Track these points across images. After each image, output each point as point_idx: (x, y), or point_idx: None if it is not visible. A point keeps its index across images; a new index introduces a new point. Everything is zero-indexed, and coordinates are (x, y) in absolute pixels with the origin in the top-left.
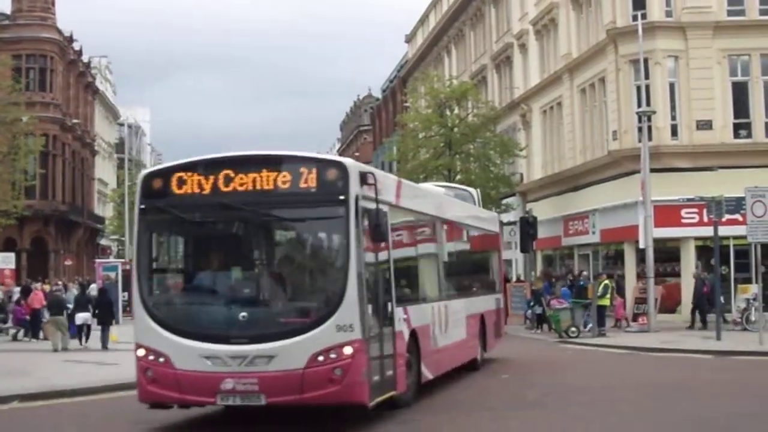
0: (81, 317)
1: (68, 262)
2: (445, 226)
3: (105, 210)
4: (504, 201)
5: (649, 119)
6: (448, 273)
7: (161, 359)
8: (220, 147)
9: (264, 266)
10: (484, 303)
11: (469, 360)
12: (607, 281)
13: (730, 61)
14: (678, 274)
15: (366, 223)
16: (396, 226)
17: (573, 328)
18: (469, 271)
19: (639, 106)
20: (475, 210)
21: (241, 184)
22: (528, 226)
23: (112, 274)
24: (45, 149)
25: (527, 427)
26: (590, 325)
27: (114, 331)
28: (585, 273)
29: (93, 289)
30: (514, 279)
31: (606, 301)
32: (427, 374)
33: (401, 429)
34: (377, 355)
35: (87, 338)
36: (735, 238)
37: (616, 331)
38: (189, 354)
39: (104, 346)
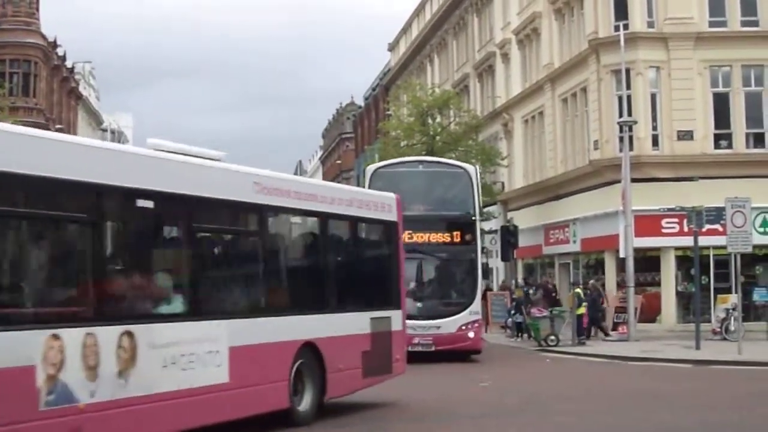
0: None
1: None
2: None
3: None
4: (485, 209)
5: (631, 129)
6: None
7: None
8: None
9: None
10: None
11: None
12: (578, 290)
13: (711, 71)
14: (658, 284)
15: None
16: None
17: (552, 337)
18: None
19: (620, 116)
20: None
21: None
22: (509, 235)
23: None
24: None
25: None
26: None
27: None
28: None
29: None
30: (496, 288)
31: (582, 311)
32: None
33: None
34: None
35: None
36: (715, 248)
37: (594, 340)
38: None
39: None
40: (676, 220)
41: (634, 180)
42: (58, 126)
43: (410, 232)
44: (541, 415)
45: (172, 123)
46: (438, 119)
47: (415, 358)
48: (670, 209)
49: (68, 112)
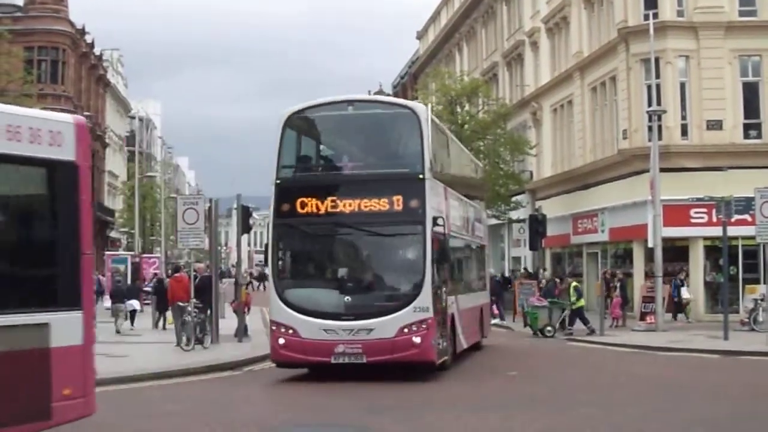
0: (131, 304)
1: None
2: None
3: (115, 203)
4: (513, 198)
5: (660, 118)
6: None
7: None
8: (230, 140)
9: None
10: None
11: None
12: (575, 283)
13: (741, 61)
14: (686, 274)
15: None
16: None
17: (549, 327)
18: None
19: (649, 105)
20: None
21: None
22: (537, 224)
23: (121, 267)
24: None
25: (537, 424)
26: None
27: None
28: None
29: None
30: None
31: (582, 303)
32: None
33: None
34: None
35: (132, 322)
36: (744, 238)
37: (623, 330)
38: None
39: (163, 327)
40: (704, 210)
41: (662, 169)
42: (86, 113)
43: (333, 198)
44: (568, 405)
45: (200, 111)
46: (466, 107)
47: (338, 373)
48: (698, 199)
49: (96, 99)
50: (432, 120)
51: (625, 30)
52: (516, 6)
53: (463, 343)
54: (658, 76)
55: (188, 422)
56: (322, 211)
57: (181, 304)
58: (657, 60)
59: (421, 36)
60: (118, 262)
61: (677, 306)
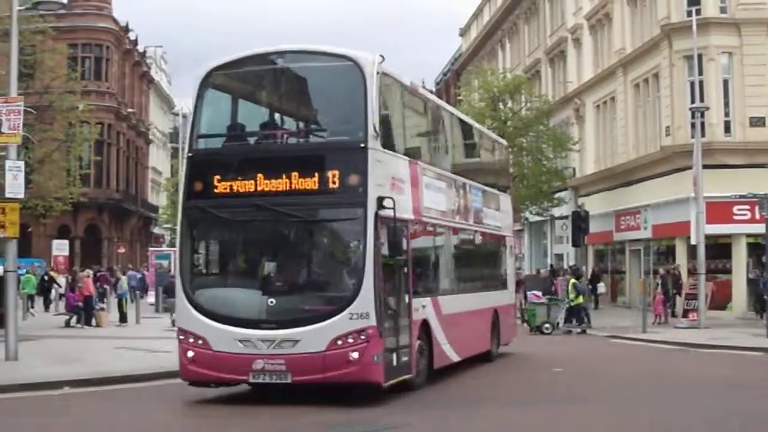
0: (171, 301)
1: (121, 250)
2: None
3: (159, 199)
4: (556, 195)
5: (703, 115)
6: None
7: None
8: None
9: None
10: None
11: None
12: (573, 280)
13: None
14: (729, 271)
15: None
16: None
17: (547, 325)
18: None
19: (692, 102)
20: None
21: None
22: (580, 221)
23: (165, 263)
24: (100, 138)
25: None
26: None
27: None
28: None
29: (132, 278)
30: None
31: (580, 300)
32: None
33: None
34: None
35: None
36: None
37: (666, 327)
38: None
39: None
40: (747, 207)
41: (705, 166)
42: (129, 110)
43: (254, 175)
44: (611, 401)
45: None
46: (509, 104)
47: (255, 396)
48: (741, 196)
49: (140, 96)
50: (391, 75)
51: (668, 27)
52: (558, 3)
53: (452, 355)
54: (701, 73)
55: None
56: (242, 191)
57: None
58: (700, 57)
59: (463, 33)
60: (161, 258)
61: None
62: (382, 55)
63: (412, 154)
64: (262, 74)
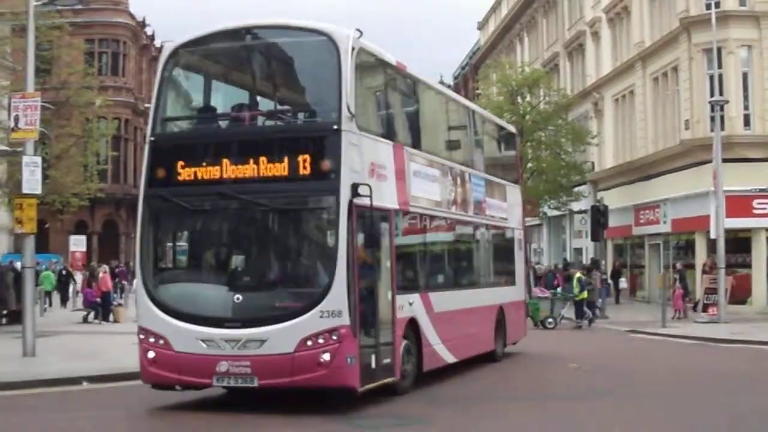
0: None
1: None
2: None
3: None
4: (575, 189)
5: (722, 109)
6: None
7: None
8: None
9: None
10: None
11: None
12: (579, 274)
13: None
14: (749, 265)
15: None
16: None
17: (550, 319)
18: None
19: (711, 95)
20: None
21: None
22: (599, 215)
23: None
24: (117, 133)
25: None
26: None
27: None
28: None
29: None
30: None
31: (584, 295)
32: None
33: None
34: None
35: None
36: None
37: (685, 321)
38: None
39: None
40: (767, 200)
41: (725, 160)
42: (146, 105)
43: (219, 161)
44: (629, 398)
45: None
46: (528, 98)
47: (214, 403)
48: (761, 190)
49: None
50: (371, 51)
51: (687, 20)
52: None
53: (447, 356)
54: (720, 66)
55: None
56: (207, 177)
57: None
58: (719, 50)
59: (481, 26)
60: None
61: None
62: (359, 29)
63: (397, 138)
64: (230, 52)
